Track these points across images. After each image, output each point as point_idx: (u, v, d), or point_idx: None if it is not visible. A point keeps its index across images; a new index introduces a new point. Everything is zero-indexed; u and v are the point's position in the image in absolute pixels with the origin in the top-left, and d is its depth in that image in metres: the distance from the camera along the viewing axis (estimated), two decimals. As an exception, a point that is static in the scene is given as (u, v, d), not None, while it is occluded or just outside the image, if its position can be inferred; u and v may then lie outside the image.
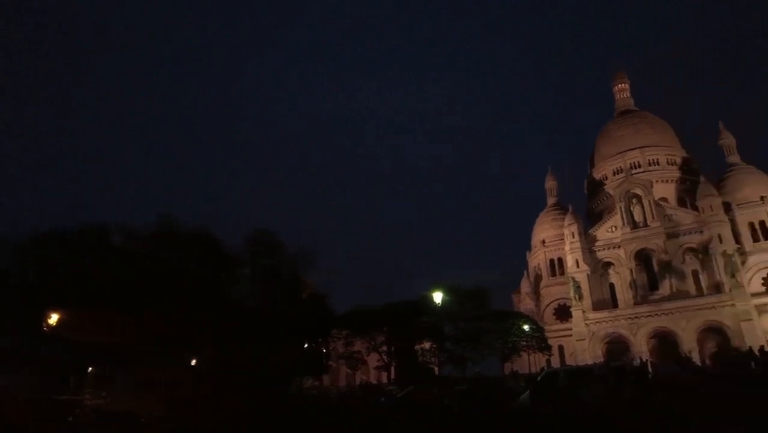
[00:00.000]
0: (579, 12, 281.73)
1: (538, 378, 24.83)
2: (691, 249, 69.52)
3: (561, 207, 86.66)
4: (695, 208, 71.07)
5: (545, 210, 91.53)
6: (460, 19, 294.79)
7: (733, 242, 65.47)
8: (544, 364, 63.63)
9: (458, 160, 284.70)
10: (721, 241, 65.24)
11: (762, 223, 68.29)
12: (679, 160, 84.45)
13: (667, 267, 69.36)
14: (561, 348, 72.69)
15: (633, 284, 71.11)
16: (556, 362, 69.24)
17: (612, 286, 73.59)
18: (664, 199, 77.06)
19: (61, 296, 25.69)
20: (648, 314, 65.21)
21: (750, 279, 65.09)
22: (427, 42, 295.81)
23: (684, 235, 70.09)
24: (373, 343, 51.31)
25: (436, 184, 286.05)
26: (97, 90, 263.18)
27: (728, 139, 78.25)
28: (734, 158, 77.03)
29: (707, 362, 57.27)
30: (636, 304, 68.70)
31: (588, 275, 72.23)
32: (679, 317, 62.87)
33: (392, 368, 52.09)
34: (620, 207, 74.36)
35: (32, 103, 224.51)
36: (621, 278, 72.57)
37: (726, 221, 66.80)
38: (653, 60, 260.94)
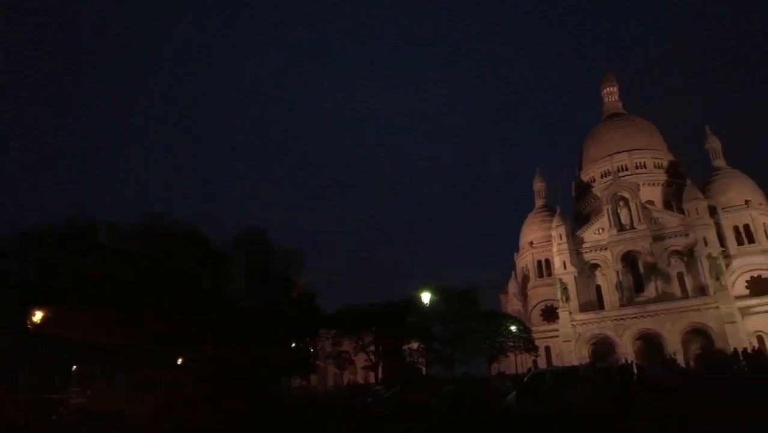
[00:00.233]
0: (575, 13, 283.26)
1: (525, 379, 24.99)
2: (676, 252, 70.28)
3: (549, 209, 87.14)
4: (681, 211, 71.85)
5: (533, 211, 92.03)
6: (460, 19, 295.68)
7: (718, 245, 66.29)
8: (530, 365, 64.06)
9: (458, 160, 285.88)
10: (706, 244, 66.02)
11: (746, 226, 69.17)
12: (665, 164, 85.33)
13: (653, 269, 70.06)
14: (548, 349, 73.11)
15: (619, 286, 71.74)
16: (542, 363, 69.66)
17: (599, 287, 74.22)
18: (651, 202, 77.78)
19: (44, 294, 25.46)
20: (634, 315, 65.82)
21: (734, 282, 65.91)
22: (427, 42, 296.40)
23: (670, 238, 70.83)
24: (361, 343, 51.33)
25: (436, 184, 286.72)
26: (97, 90, 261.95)
27: (714, 144, 79.18)
28: (720, 162, 77.96)
29: (691, 363, 57.90)
30: (622, 306, 69.33)
31: (575, 276, 72.78)
32: (665, 318, 63.55)
33: (380, 368, 52.12)
34: (607, 209, 74.99)
35: (32, 103, 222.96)
36: (607, 279, 73.21)
37: (711, 224, 67.60)
38: (642, 63, 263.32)
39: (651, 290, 69.80)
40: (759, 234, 68.43)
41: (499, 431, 15.64)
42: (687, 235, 69.09)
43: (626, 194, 74.75)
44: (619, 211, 74.49)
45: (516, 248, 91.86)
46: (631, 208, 73.70)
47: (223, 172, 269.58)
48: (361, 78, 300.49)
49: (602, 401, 17.30)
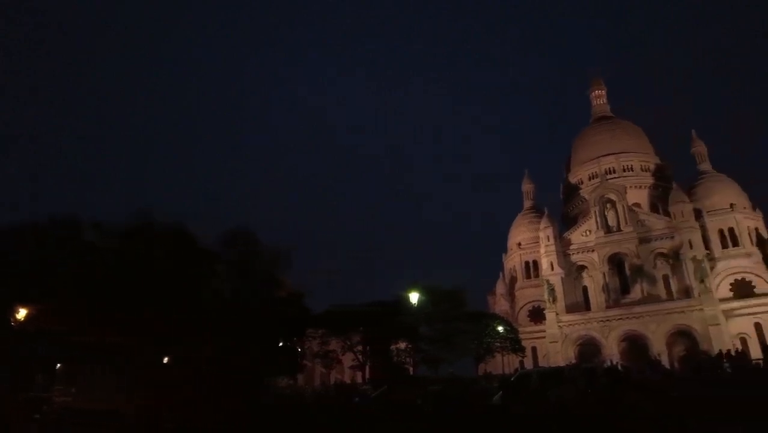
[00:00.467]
0: (567, 17, 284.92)
1: (511, 379, 25.06)
2: (662, 254, 70.90)
3: (537, 210, 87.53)
4: (667, 214, 72.53)
5: (522, 213, 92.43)
6: (460, 19, 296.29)
7: (702, 247, 66.97)
8: (517, 365, 64.25)
9: (458, 160, 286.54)
10: (691, 247, 66.65)
11: (731, 230, 70.04)
12: (652, 167, 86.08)
13: (639, 271, 70.64)
14: (534, 350, 73.45)
15: (606, 288, 72.24)
16: (529, 364, 69.91)
17: (585, 289, 74.68)
18: (638, 205, 78.41)
19: (27, 291, 25.13)
20: (619, 317, 66.30)
21: (718, 284, 66.66)
22: (427, 42, 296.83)
23: (656, 240, 71.46)
24: (348, 342, 51.17)
25: (437, 184, 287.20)
26: (97, 90, 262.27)
27: (700, 147, 80.00)
28: (705, 166, 78.77)
29: (676, 365, 58.44)
30: (608, 307, 69.80)
31: (562, 277, 73.17)
32: (650, 320, 64.08)
33: (367, 368, 52.01)
34: (595, 211, 75.47)
35: (32, 103, 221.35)
36: (594, 281, 73.69)
37: (696, 227, 68.27)
38: (631, 67, 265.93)
39: (637, 291, 70.36)
40: (743, 237, 69.31)
41: (484, 430, 15.65)
42: (672, 237, 69.74)
43: (613, 197, 75.28)
44: (606, 213, 75.00)
45: (504, 248, 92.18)
46: (618, 210, 74.24)
47: (223, 171, 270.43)
48: (361, 78, 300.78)
49: (587, 402, 17.37)
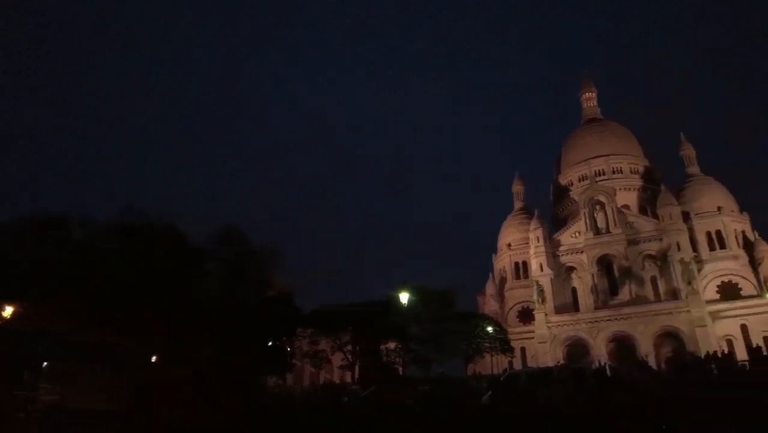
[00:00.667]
0: (561, 18, 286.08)
1: (500, 379, 25.16)
2: (650, 256, 71.52)
3: (527, 211, 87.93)
4: (656, 216, 73.15)
5: (512, 214, 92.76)
6: (460, 19, 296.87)
7: (690, 250, 67.61)
8: (506, 365, 64.45)
9: (458, 160, 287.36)
10: (679, 249, 67.26)
11: (718, 232, 70.75)
12: (641, 169, 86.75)
13: (627, 273, 71.18)
14: (523, 350, 73.71)
15: (594, 289, 72.73)
16: (518, 364, 70.16)
17: (574, 290, 75.19)
18: (626, 207, 79.00)
19: (11, 288, 24.90)
20: (608, 318, 66.75)
21: (705, 286, 67.34)
22: (427, 42, 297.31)
23: (644, 242, 72.06)
24: (338, 342, 51.09)
25: (437, 184, 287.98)
26: (97, 90, 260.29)
27: (688, 150, 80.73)
28: (694, 169, 79.50)
29: (662, 366, 58.90)
30: (597, 308, 70.31)
31: (551, 278, 73.58)
32: (637, 321, 64.59)
33: (356, 368, 51.97)
34: (584, 213, 75.95)
35: (32, 103, 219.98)
36: (583, 282, 74.17)
37: (684, 229, 68.92)
38: (622, 69, 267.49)
39: (625, 293, 70.91)
40: (730, 240, 70.04)
41: (475, 430, 15.69)
42: (661, 240, 70.34)
43: (603, 198, 75.79)
44: (595, 215, 75.51)
45: (494, 249, 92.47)
46: (608, 212, 74.77)
47: (223, 172, 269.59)
48: (361, 78, 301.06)
49: (576, 402, 17.46)
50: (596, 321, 67.14)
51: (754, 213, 74.61)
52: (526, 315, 77.84)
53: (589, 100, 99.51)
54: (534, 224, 77.94)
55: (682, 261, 65.73)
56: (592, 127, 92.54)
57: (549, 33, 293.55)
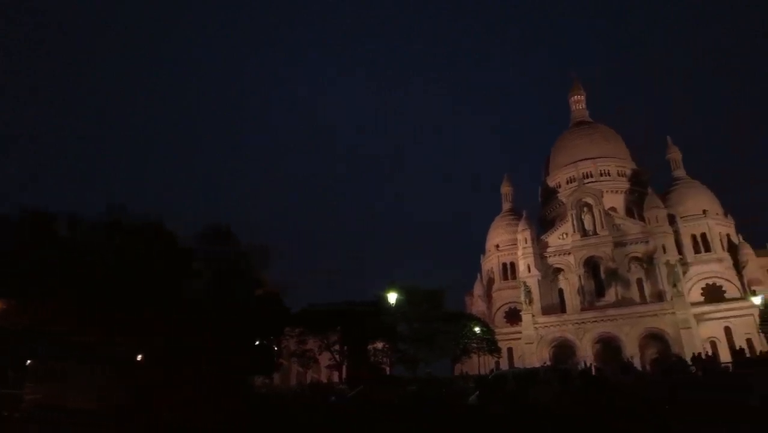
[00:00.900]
0: (553, 20, 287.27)
1: (487, 380, 25.28)
2: (636, 258, 72.14)
3: (516, 213, 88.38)
4: (642, 218, 73.81)
5: (500, 215, 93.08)
6: (460, 19, 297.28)
7: (675, 252, 68.34)
8: (493, 366, 64.73)
9: (458, 160, 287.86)
10: (664, 251, 67.95)
11: (703, 235, 71.59)
12: (629, 172, 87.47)
13: (614, 275, 71.76)
14: (510, 351, 74.00)
15: (581, 290, 73.20)
16: (504, 365, 70.48)
17: (561, 291, 75.65)
18: (613, 209, 79.63)
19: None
20: (594, 319, 67.25)
21: (690, 289, 68.13)
22: (427, 42, 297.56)
23: (630, 244, 72.67)
24: (326, 342, 50.98)
25: (437, 183, 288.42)
26: (97, 90, 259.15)
27: (675, 154, 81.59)
28: (680, 172, 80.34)
29: (647, 367, 59.43)
30: (583, 309, 70.79)
31: (539, 280, 73.99)
32: (623, 323, 65.13)
33: (344, 368, 51.90)
34: (572, 215, 76.42)
35: (32, 103, 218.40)
36: (570, 283, 74.64)
37: (670, 232, 69.63)
38: (610, 73, 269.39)
39: (611, 294, 71.50)
40: (715, 243, 70.87)
41: (463, 430, 15.75)
42: (647, 242, 71.00)
43: (590, 200, 76.34)
44: (583, 217, 76.00)
45: (482, 249, 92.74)
46: (595, 214, 75.30)
47: (223, 172, 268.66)
48: (361, 78, 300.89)
49: (562, 403, 17.57)
50: (582, 322, 67.62)
51: (739, 217, 75.80)
52: (514, 316, 78.23)
53: (578, 102, 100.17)
54: (522, 225, 78.35)
55: (667, 263, 66.42)
56: (581, 130, 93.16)
57: (549, 33, 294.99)
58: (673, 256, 67.46)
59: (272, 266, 38.62)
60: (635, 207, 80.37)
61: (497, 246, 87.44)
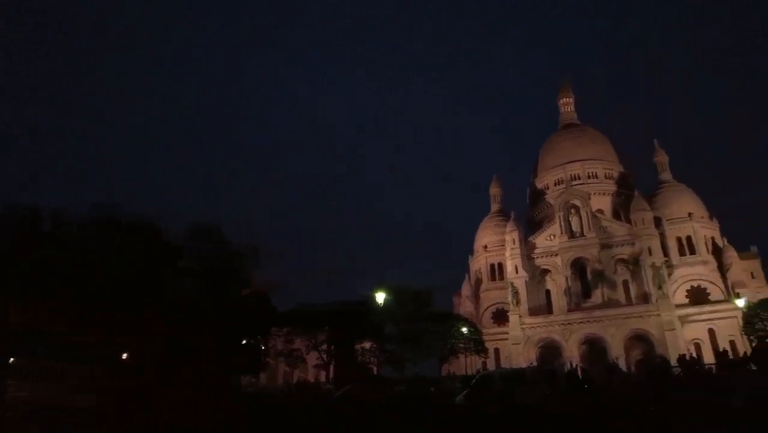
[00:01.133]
0: (544, 23, 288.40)
1: (474, 380, 25.35)
2: (622, 260, 72.77)
3: (504, 214, 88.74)
4: (629, 221, 74.44)
5: (488, 216, 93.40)
6: (460, 19, 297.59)
7: (661, 255, 68.99)
8: (480, 366, 64.95)
9: (458, 160, 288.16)
10: (650, 253, 68.59)
11: (688, 238, 72.38)
12: (616, 174, 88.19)
13: (600, 276, 72.31)
14: (497, 351, 74.17)
15: (568, 292, 73.67)
16: (491, 365, 70.72)
17: (548, 292, 76.08)
18: (600, 211, 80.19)
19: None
20: (580, 320, 67.69)
21: (675, 291, 68.83)
22: (427, 42, 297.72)
23: (617, 246, 73.29)
24: (313, 341, 50.89)
25: (437, 184, 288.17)
26: (97, 90, 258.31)
27: (662, 157, 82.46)
28: (666, 175, 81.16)
29: (632, 368, 59.93)
30: (570, 310, 71.22)
31: (526, 281, 74.32)
32: (609, 324, 65.62)
33: (331, 367, 51.82)
34: (559, 217, 76.88)
35: (32, 103, 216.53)
36: (557, 285, 75.09)
37: (656, 234, 70.29)
38: (599, 76, 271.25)
39: (597, 296, 72.03)
40: (700, 246, 71.70)
41: (453, 429, 15.80)
42: (633, 244, 71.62)
43: (578, 202, 76.84)
44: (570, 218, 76.47)
45: (471, 250, 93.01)
46: (582, 216, 75.81)
47: (223, 171, 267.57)
48: (361, 78, 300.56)
49: (549, 403, 17.68)
50: (569, 323, 68.03)
51: (723, 220, 76.73)
52: (501, 316, 78.50)
53: (567, 105, 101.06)
54: (510, 226, 78.68)
55: (653, 266, 67.04)
56: (569, 132, 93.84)
57: (549, 33, 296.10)
58: (658, 258, 68.11)
59: (262, 265, 38.48)
60: (622, 209, 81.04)
61: (485, 247, 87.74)
